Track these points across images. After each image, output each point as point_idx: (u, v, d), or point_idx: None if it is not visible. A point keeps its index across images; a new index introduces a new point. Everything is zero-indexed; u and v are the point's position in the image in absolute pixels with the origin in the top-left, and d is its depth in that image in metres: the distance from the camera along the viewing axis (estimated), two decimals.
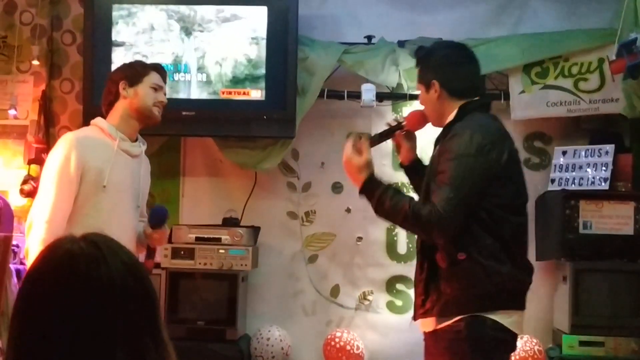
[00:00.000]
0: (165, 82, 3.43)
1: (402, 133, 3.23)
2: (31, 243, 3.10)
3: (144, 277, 1.34)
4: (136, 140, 3.37)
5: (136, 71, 3.34)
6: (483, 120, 2.97)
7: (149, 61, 3.52)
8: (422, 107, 3.15)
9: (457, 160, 2.82)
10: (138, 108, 3.30)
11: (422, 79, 3.09)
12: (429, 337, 2.99)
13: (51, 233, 3.06)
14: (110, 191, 3.20)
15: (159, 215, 3.39)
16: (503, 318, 2.85)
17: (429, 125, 3.20)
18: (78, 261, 1.29)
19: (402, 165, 3.37)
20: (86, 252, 1.30)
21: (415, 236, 3.09)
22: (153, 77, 3.34)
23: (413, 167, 3.31)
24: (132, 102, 3.30)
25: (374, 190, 2.94)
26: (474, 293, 2.83)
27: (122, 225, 3.24)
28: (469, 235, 2.83)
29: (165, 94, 3.40)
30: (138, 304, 1.30)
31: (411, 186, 3.42)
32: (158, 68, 3.43)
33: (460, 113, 2.99)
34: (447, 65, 3.05)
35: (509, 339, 2.90)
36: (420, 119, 3.19)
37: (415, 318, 3.05)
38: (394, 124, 3.25)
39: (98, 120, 3.34)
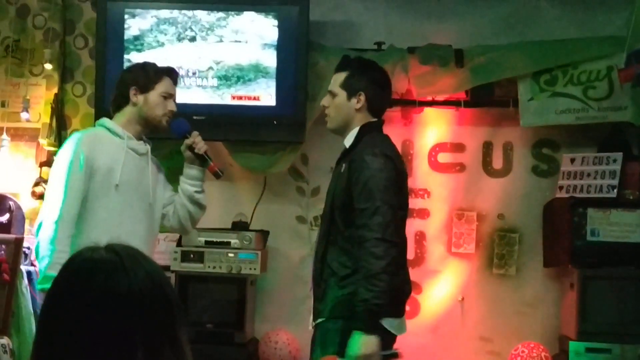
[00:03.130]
0: (176, 84, 3.43)
1: None
2: (42, 242, 3.10)
3: (165, 286, 1.35)
4: (140, 139, 3.37)
5: (148, 77, 3.32)
6: (381, 138, 3.18)
7: (160, 64, 3.50)
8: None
9: (371, 180, 3.00)
10: (147, 117, 3.31)
11: (349, 86, 3.20)
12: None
13: (62, 232, 3.09)
14: (121, 190, 3.22)
15: (178, 127, 3.42)
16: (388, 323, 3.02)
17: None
18: (97, 269, 1.30)
19: None
20: (106, 259, 1.32)
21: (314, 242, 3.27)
22: (165, 84, 3.34)
23: None
24: (142, 109, 3.30)
25: (376, 322, 2.99)
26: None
27: (134, 223, 3.25)
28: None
29: (175, 101, 3.39)
30: (158, 312, 1.31)
31: None
32: (171, 73, 3.41)
33: (361, 132, 3.17)
34: (378, 85, 3.24)
35: (381, 336, 3.00)
36: None
37: (314, 321, 3.18)
38: None
39: (104, 120, 3.35)
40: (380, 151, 3.05)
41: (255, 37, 4.78)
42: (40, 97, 5.14)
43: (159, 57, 4.73)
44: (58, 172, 3.20)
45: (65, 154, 3.22)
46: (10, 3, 5.24)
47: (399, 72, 4.80)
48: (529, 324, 4.83)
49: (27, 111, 5.04)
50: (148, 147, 3.39)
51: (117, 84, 3.41)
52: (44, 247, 3.10)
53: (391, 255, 2.94)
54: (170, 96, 3.36)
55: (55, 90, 5.13)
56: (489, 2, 4.98)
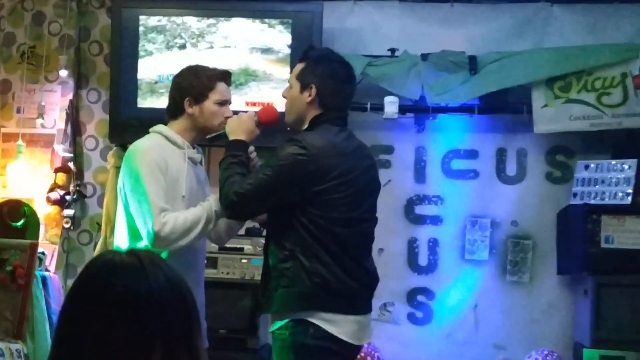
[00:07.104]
0: (230, 85, 3.31)
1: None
2: (172, 237, 2.98)
3: (184, 291, 1.36)
4: (193, 147, 3.28)
5: (202, 85, 3.19)
6: (320, 133, 2.99)
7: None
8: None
9: (271, 165, 2.95)
10: (204, 127, 3.20)
11: (303, 78, 3.07)
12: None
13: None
14: (186, 200, 3.14)
15: None
16: (329, 325, 2.89)
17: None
18: (118, 271, 1.32)
19: None
20: (127, 263, 1.33)
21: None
22: (219, 91, 3.21)
23: None
24: (198, 120, 3.19)
25: (233, 151, 3.07)
26: (294, 291, 2.91)
27: None
28: (294, 235, 2.92)
29: (230, 103, 3.28)
30: (176, 316, 1.32)
31: None
32: (225, 76, 3.29)
33: (310, 125, 3.04)
34: (333, 78, 3.06)
35: (333, 347, 2.90)
36: (274, 115, 3.21)
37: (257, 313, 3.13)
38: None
39: (162, 128, 3.22)
40: (293, 145, 2.91)
41: (268, 44, 4.82)
42: (56, 103, 5.19)
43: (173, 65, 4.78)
44: (140, 183, 3.03)
45: (137, 165, 3.06)
46: (25, 10, 5.29)
47: (412, 78, 4.81)
48: (542, 331, 4.82)
49: (42, 117, 5.08)
50: (201, 154, 3.34)
51: (170, 92, 3.29)
52: (179, 235, 3.00)
53: (228, 200, 2.94)
54: (226, 102, 3.25)
55: (70, 96, 5.17)
56: (502, 8, 4.99)
